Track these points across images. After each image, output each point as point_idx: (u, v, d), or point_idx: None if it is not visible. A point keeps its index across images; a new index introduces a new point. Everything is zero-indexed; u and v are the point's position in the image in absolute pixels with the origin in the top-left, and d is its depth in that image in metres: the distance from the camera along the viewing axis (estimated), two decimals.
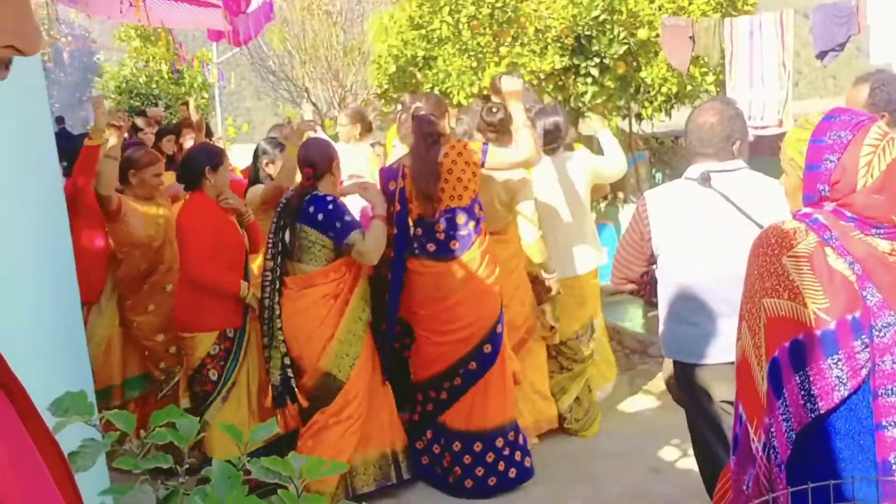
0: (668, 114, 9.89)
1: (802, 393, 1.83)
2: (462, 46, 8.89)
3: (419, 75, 9.40)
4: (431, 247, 4.24)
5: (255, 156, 5.09)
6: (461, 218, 4.21)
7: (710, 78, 8.75)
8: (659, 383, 5.62)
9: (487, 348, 4.24)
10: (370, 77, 13.19)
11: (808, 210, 1.98)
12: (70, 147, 5.69)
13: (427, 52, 9.43)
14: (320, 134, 5.91)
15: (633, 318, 7.28)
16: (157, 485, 1.63)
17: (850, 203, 1.91)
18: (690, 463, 4.20)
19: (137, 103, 20.63)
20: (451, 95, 8.63)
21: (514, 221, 4.66)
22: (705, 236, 2.96)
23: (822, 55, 6.68)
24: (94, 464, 1.53)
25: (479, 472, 4.26)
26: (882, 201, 1.87)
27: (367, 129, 6.38)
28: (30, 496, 0.71)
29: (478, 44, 8.78)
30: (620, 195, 9.38)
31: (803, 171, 1.99)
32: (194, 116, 6.57)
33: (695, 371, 3.03)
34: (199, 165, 4.33)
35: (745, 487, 1.97)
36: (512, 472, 4.30)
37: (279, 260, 4.18)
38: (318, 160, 4.18)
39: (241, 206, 4.54)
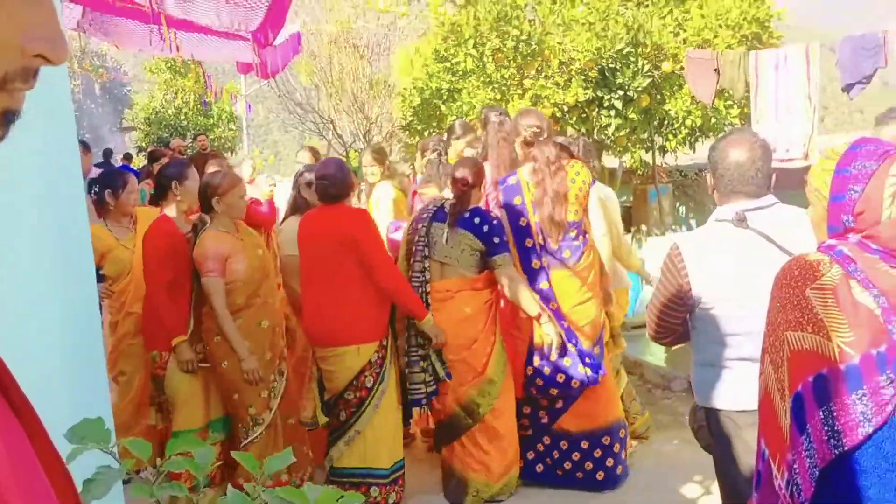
0: (692, 147, 9.88)
1: (826, 429, 1.79)
2: (486, 79, 8.95)
3: (443, 107, 9.47)
4: (567, 253, 4.53)
5: (296, 183, 5.08)
6: (573, 231, 4.53)
7: (735, 111, 8.76)
8: (682, 419, 5.57)
9: (597, 350, 4.54)
10: (395, 109, 13.31)
11: (832, 242, 1.95)
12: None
13: (451, 84, 9.51)
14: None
15: (655, 353, 7.20)
16: None
17: (876, 235, 1.87)
18: (713, 500, 4.14)
19: (166, 134, 20.90)
20: (475, 128, 8.67)
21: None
22: (744, 279, 2.77)
23: (848, 87, 6.65)
24: (108, 491, 1.53)
25: (608, 462, 4.60)
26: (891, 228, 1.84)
27: (387, 168, 6.32)
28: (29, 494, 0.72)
29: (502, 76, 8.84)
30: (644, 227, 9.35)
31: (828, 201, 1.96)
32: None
33: (729, 417, 2.91)
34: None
35: None
36: (619, 469, 4.66)
37: (427, 264, 4.51)
38: (472, 175, 4.53)
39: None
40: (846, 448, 1.78)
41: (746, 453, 2.87)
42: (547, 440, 4.68)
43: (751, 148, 2.84)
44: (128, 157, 16.14)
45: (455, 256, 4.47)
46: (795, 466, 1.84)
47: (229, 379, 4.29)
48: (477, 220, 4.47)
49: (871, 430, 1.76)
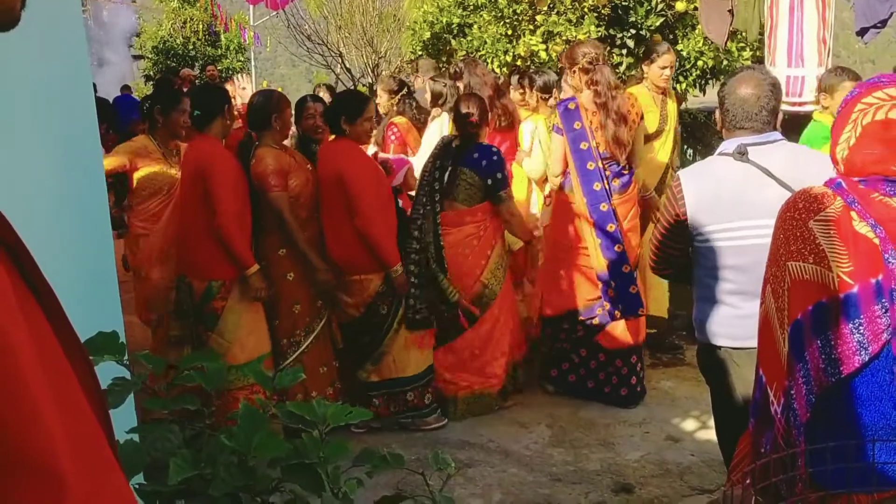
0: (703, 90, 9.79)
1: (823, 357, 1.83)
2: (498, 14, 8.85)
3: (454, 42, 9.38)
4: (616, 182, 4.86)
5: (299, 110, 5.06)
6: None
7: (747, 53, 8.65)
8: (680, 355, 5.65)
9: (626, 268, 4.82)
10: (404, 44, 13.16)
11: (835, 177, 1.99)
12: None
13: (462, 19, 9.40)
14: None
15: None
16: (184, 426, 1.69)
17: (850, 162, 1.92)
18: (709, 434, 4.23)
19: (174, 64, 20.70)
20: (485, 63, 8.60)
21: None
22: (743, 213, 2.80)
23: (862, 32, 6.56)
24: (123, 402, 1.58)
25: (633, 381, 4.96)
26: (877, 154, 1.88)
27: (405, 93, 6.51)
28: (56, 384, 0.73)
29: (514, 11, 8.74)
30: None
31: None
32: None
33: (728, 354, 2.91)
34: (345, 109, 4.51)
35: (762, 450, 1.99)
36: (639, 388, 5.02)
37: (437, 197, 4.71)
38: (481, 111, 4.76)
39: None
40: (843, 375, 1.82)
41: (743, 388, 2.92)
42: (583, 352, 5.02)
43: (758, 85, 2.86)
44: (126, 87, 15.95)
45: (453, 192, 4.75)
46: (792, 393, 1.88)
47: (293, 291, 4.46)
48: (476, 156, 4.72)
49: (866, 358, 1.80)
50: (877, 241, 1.82)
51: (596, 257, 4.81)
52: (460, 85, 5.58)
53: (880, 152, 1.87)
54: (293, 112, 4.77)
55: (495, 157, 4.73)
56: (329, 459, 1.54)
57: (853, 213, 1.87)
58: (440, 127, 5.61)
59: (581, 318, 4.98)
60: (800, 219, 1.93)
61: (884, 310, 1.79)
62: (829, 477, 1.70)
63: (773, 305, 1.97)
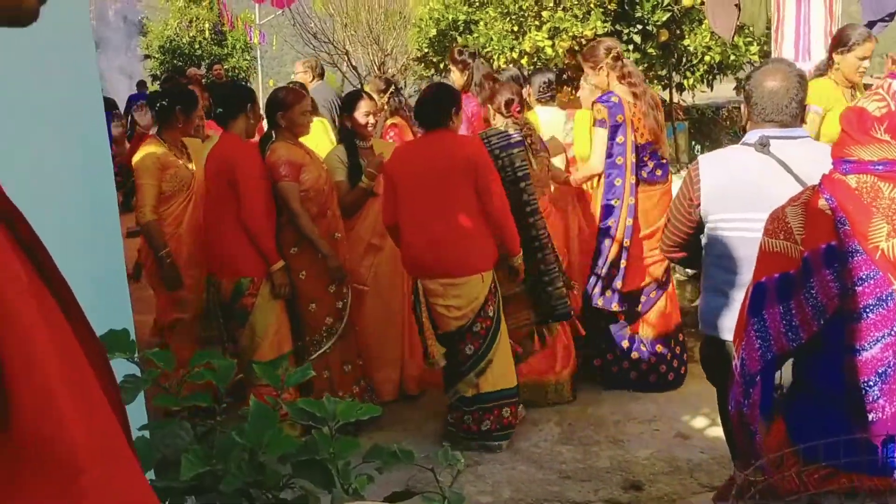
0: (710, 85, 9.78)
1: (784, 323, 1.97)
2: (504, 10, 8.85)
3: (460, 39, 9.37)
4: (658, 171, 4.98)
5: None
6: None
7: (755, 48, 8.63)
8: (689, 352, 5.63)
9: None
10: (410, 41, 13.17)
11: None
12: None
13: (468, 15, 9.40)
14: None
15: None
16: (195, 423, 1.69)
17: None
18: (719, 431, 4.21)
19: (180, 63, 20.74)
20: (491, 60, 8.59)
21: None
22: (757, 205, 2.71)
23: (870, 25, 6.53)
24: (134, 399, 1.58)
25: (676, 364, 5.12)
26: (840, 139, 2.06)
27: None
28: (74, 380, 0.74)
29: (519, 7, 8.73)
30: None
31: None
32: None
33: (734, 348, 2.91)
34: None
35: (729, 408, 2.18)
36: (683, 369, 5.18)
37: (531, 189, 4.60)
38: (519, 97, 4.83)
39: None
40: (803, 341, 1.97)
41: None
42: (626, 345, 5.10)
43: (786, 77, 2.84)
44: (142, 84, 16.05)
45: (543, 178, 4.85)
46: (744, 344, 2.05)
47: (307, 289, 4.42)
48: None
49: (822, 321, 1.94)
50: (829, 211, 1.96)
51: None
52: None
53: (841, 137, 2.05)
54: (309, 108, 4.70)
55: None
56: (339, 456, 1.54)
57: (820, 195, 2.02)
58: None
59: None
60: (781, 207, 2.11)
61: (835, 275, 1.92)
62: (821, 453, 1.81)
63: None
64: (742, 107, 3.00)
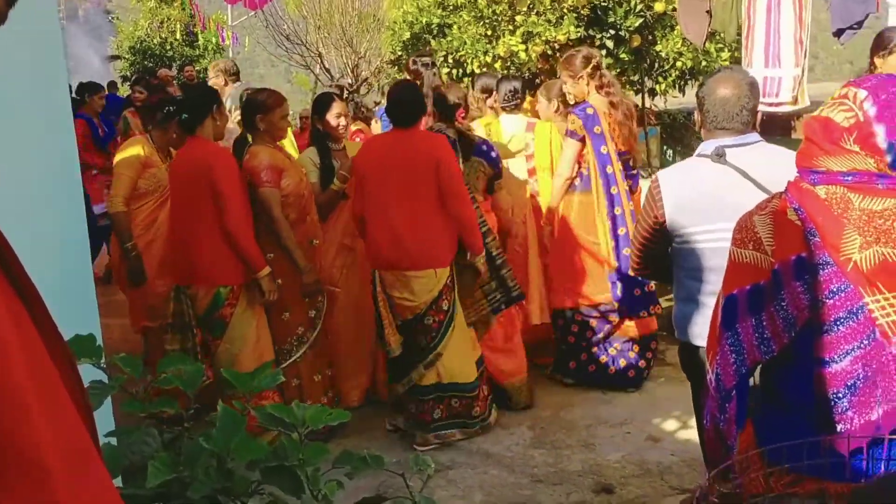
0: (682, 90, 9.85)
1: (756, 335, 1.96)
2: (477, 14, 8.87)
3: (433, 43, 9.37)
4: (628, 182, 5.10)
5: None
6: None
7: (726, 54, 8.71)
8: (661, 356, 5.67)
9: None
10: (384, 44, 13.15)
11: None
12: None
13: (442, 19, 9.41)
14: None
15: None
16: (163, 429, 1.67)
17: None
18: (689, 433, 4.25)
19: (151, 64, 20.56)
20: (465, 63, 8.61)
21: None
22: (721, 214, 2.77)
23: (839, 33, 6.61)
24: (101, 405, 1.56)
25: (642, 364, 5.21)
26: (804, 149, 2.02)
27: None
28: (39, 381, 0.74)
29: (493, 12, 8.76)
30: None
31: None
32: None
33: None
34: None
35: (704, 422, 2.15)
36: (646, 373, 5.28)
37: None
38: (464, 102, 4.92)
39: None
40: (774, 353, 1.96)
41: None
42: (603, 341, 5.20)
43: (737, 85, 2.87)
44: (112, 85, 15.87)
45: (472, 183, 4.71)
46: (718, 359, 2.02)
47: (282, 297, 4.30)
48: (485, 147, 4.81)
49: (793, 333, 1.92)
50: (798, 222, 1.94)
51: (609, 258, 5.02)
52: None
53: (806, 147, 2.01)
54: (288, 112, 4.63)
55: (493, 148, 4.87)
56: (309, 462, 1.53)
57: (788, 205, 1.99)
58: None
59: (595, 310, 5.15)
60: (749, 216, 2.07)
61: (805, 287, 1.90)
62: (785, 457, 1.79)
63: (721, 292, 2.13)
64: (695, 113, 3.02)
